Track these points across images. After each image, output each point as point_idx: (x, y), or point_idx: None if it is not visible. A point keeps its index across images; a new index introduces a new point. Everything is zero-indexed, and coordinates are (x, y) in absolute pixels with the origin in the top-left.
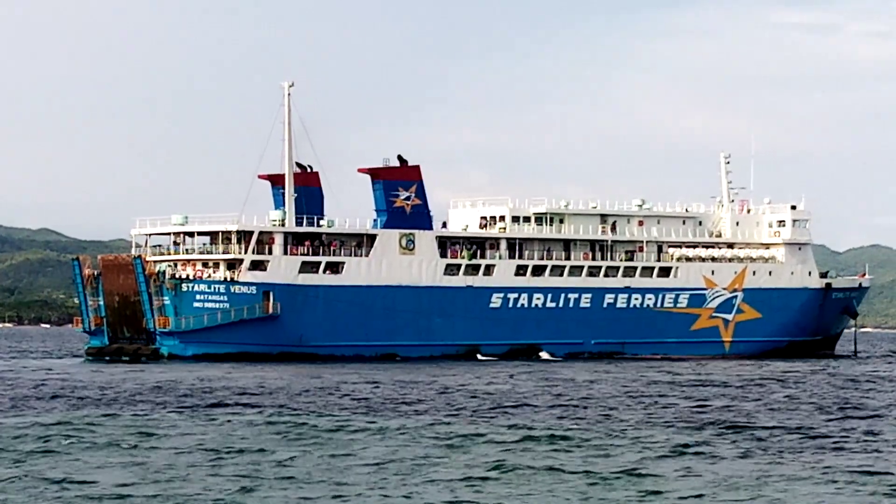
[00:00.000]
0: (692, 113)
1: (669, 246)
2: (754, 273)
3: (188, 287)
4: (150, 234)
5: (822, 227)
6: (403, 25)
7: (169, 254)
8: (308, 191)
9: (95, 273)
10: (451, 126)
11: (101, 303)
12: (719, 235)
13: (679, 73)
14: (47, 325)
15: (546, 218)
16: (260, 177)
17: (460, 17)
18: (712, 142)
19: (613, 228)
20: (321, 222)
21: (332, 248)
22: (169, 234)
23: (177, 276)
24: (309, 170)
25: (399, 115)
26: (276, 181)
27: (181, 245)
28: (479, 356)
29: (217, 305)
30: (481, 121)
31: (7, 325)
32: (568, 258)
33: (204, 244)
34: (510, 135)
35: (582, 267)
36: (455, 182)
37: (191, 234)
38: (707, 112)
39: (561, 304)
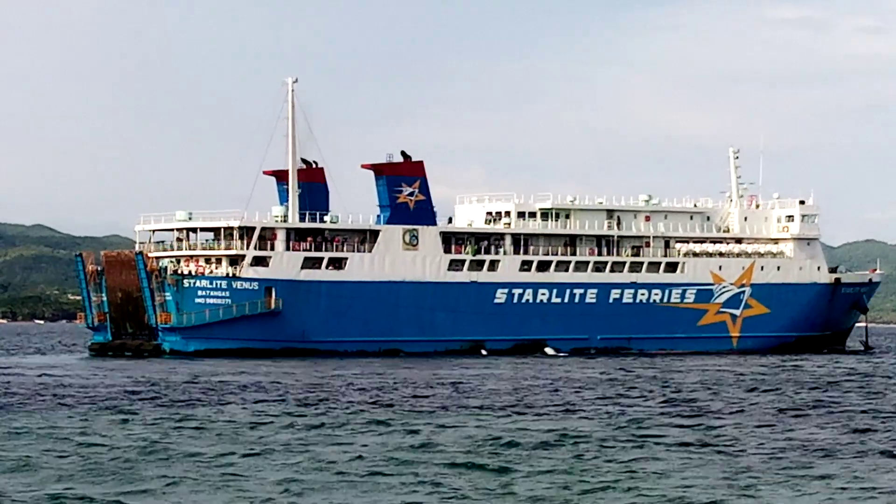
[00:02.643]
0: (685, 109)
1: (676, 241)
2: (762, 268)
3: (190, 283)
4: (154, 231)
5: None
6: (407, 21)
7: (172, 250)
8: (313, 186)
9: (98, 269)
10: (455, 122)
11: (105, 299)
12: (727, 231)
13: (673, 69)
14: (41, 321)
15: (552, 213)
16: (265, 173)
17: (465, 12)
18: (706, 139)
19: (619, 224)
20: (325, 218)
21: (335, 244)
22: (173, 230)
23: (179, 272)
24: (314, 165)
25: (403, 111)
26: (281, 177)
27: (184, 241)
28: (483, 352)
29: (219, 301)
30: (485, 117)
31: (1, 321)
32: (573, 254)
33: (207, 240)
34: (511, 131)
35: (587, 262)
36: (457, 178)
37: (194, 231)
38: (702, 109)
39: (566, 300)
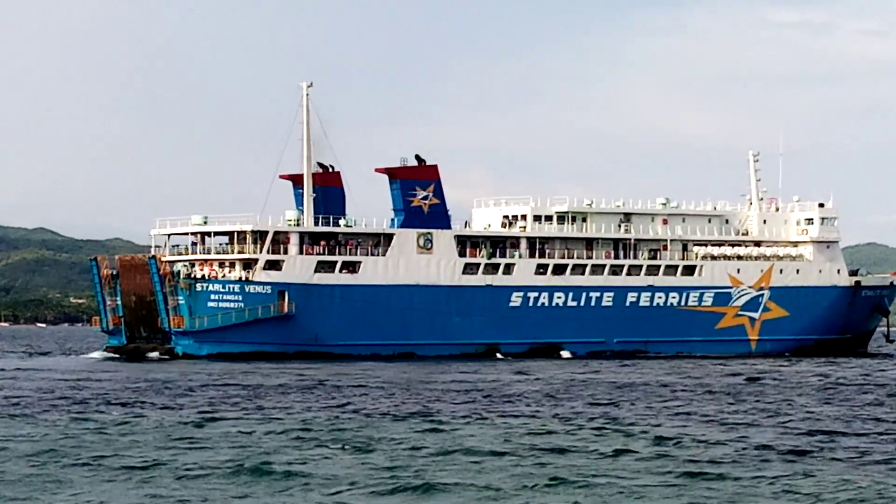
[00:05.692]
0: (687, 110)
1: (694, 244)
2: (781, 271)
3: (203, 287)
4: (169, 235)
5: None
6: (420, 24)
7: (187, 254)
8: (329, 190)
9: (113, 273)
10: (456, 123)
11: (119, 303)
12: (746, 234)
13: (674, 70)
14: (43, 325)
15: (568, 217)
16: (281, 177)
17: (479, 15)
18: (707, 139)
19: (635, 227)
20: (340, 222)
21: (348, 248)
22: (188, 234)
23: (192, 276)
24: (330, 169)
25: (404, 112)
26: (297, 181)
27: (198, 245)
28: (498, 355)
29: (232, 305)
30: (487, 118)
31: (3, 324)
32: (590, 257)
33: (221, 244)
34: (514, 132)
35: (604, 266)
36: (459, 178)
37: (209, 235)
38: (703, 109)
39: (582, 303)
